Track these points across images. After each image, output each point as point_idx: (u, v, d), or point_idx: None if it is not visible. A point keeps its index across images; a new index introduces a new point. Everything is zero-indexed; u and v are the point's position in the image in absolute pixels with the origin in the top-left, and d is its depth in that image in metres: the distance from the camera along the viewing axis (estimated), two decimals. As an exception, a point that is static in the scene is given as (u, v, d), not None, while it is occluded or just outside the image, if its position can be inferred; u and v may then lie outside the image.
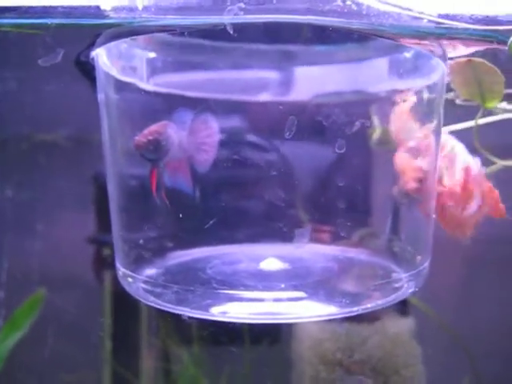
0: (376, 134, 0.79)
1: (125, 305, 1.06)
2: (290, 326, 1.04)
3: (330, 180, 0.74)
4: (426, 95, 0.67)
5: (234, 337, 1.03)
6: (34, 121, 1.04)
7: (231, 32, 0.49)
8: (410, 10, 0.51)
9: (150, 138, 0.62)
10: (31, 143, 1.05)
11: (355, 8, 0.50)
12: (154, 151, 0.63)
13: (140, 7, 0.49)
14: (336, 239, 0.72)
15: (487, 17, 0.52)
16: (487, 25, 0.52)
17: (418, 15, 0.51)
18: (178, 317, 0.64)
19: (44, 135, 1.05)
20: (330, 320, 0.99)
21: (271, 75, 0.72)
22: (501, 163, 0.82)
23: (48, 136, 1.05)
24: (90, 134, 0.97)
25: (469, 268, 1.05)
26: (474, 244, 1.03)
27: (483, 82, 0.66)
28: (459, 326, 1.01)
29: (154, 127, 0.63)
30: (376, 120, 0.76)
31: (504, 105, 0.81)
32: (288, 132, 0.60)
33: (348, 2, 0.50)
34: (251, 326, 1.01)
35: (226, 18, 0.49)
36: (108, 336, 1.06)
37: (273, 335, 1.07)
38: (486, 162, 0.80)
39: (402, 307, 1.03)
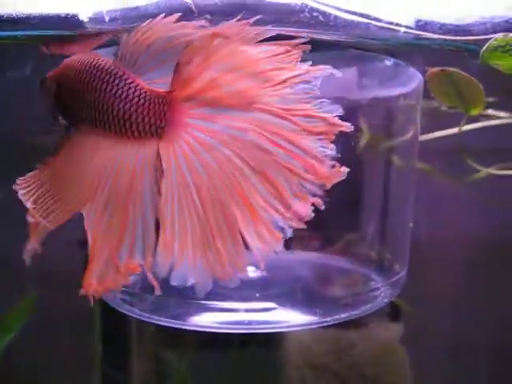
0: (362, 142, 0.79)
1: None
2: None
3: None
4: (404, 103, 0.67)
5: (223, 340, 1.03)
6: (23, 122, 1.04)
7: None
8: (378, 20, 0.50)
9: None
10: (21, 145, 1.05)
11: (322, 19, 0.49)
12: None
13: (107, 18, 0.49)
14: (319, 247, 0.72)
15: (458, 26, 0.51)
16: (458, 35, 0.52)
17: (386, 26, 0.50)
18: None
19: (34, 137, 1.05)
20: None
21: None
22: (485, 170, 0.81)
23: (38, 138, 1.05)
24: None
25: (458, 271, 1.04)
26: (463, 247, 1.02)
27: (462, 91, 0.65)
28: (447, 331, 1.01)
29: None
30: (362, 127, 0.75)
31: (489, 111, 0.80)
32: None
33: (315, 14, 0.49)
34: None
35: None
36: (98, 338, 1.06)
37: (262, 340, 1.07)
38: (470, 169, 0.80)
39: (392, 312, 1.03)
